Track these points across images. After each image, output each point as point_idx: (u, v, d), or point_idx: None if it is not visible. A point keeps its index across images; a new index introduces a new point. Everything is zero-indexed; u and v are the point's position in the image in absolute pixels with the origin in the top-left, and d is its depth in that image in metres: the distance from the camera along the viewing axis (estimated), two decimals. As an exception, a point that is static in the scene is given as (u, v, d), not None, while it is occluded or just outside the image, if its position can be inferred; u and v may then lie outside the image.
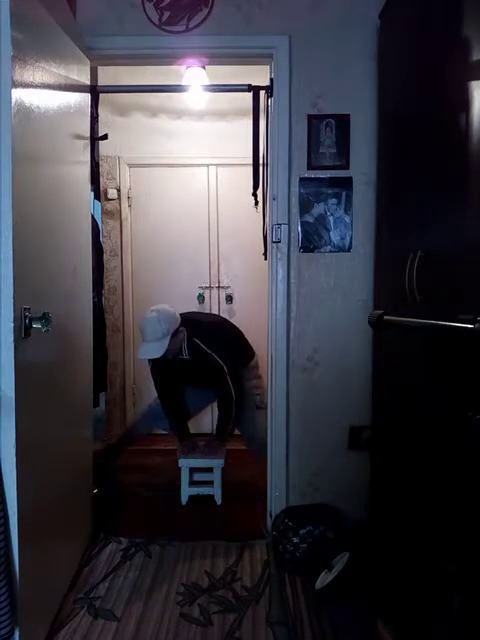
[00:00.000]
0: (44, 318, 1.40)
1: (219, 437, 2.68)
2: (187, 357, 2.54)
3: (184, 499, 2.59)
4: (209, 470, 2.62)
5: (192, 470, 2.63)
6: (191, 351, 2.53)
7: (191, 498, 2.59)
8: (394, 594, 1.60)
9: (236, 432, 2.92)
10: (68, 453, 1.86)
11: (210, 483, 2.61)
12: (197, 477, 2.66)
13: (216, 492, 2.59)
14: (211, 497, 2.59)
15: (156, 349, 2.38)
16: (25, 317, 1.37)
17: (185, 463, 2.61)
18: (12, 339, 1.31)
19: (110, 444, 2.94)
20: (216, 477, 2.60)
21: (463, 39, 1.25)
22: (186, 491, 2.60)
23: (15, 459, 1.33)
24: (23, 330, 1.36)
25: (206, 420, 3.61)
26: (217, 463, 2.60)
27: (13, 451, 1.33)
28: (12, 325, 1.31)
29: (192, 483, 2.62)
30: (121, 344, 3.53)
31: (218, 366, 2.51)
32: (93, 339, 2.15)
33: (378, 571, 1.74)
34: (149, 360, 2.57)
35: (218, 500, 2.59)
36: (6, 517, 1.33)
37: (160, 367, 2.64)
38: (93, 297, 2.22)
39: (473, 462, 1.16)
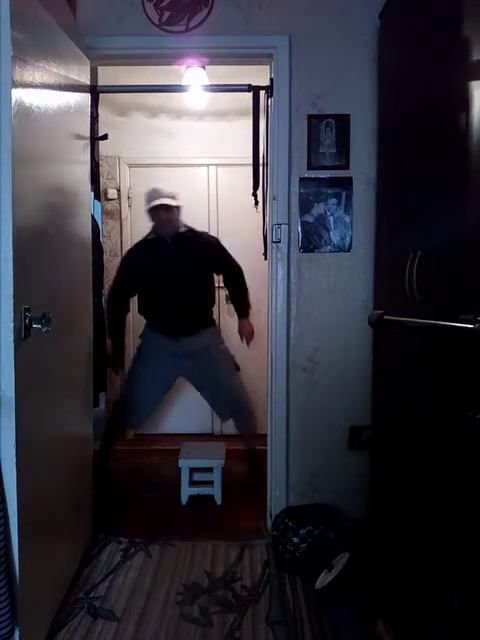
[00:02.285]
0: (44, 318, 1.40)
1: (243, 312, 2.71)
2: (185, 229, 2.61)
3: (184, 499, 2.59)
4: (209, 470, 2.62)
5: (192, 470, 2.62)
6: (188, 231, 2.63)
7: (191, 498, 2.59)
8: (394, 594, 1.60)
9: (236, 432, 2.93)
10: (68, 453, 1.85)
11: (210, 483, 2.61)
12: (197, 477, 2.65)
13: (216, 492, 2.59)
14: (211, 497, 2.59)
15: (170, 197, 2.54)
16: (25, 317, 1.37)
17: (185, 463, 2.60)
18: (12, 339, 1.31)
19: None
20: (216, 477, 2.60)
21: (463, 39, 1.25)
22: (186, 491, 2.59)
23: (15, 459, 1.33)
24: (23, 330, 1.36)
25: (205, 419, 3.61)
26: (217, 463, 2.60)
27: (13, 451, 1.33)
28: (12, 325, 1.31)
29: (192, 483, 2.62)
30: (121, 344, 3.52)
31: (214, 240, 2.71)
32: (93, 339, 2.15)
33: (378, 571, 1.74)
34: (123, 258, 2.73)
35: (218, 500, 2.59)
36: (6, 517, 1.33)
37: (137, 248, 2.65)
38: (93, 297, 2.22)
39: (473, 462, 1.16)
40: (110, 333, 2.70)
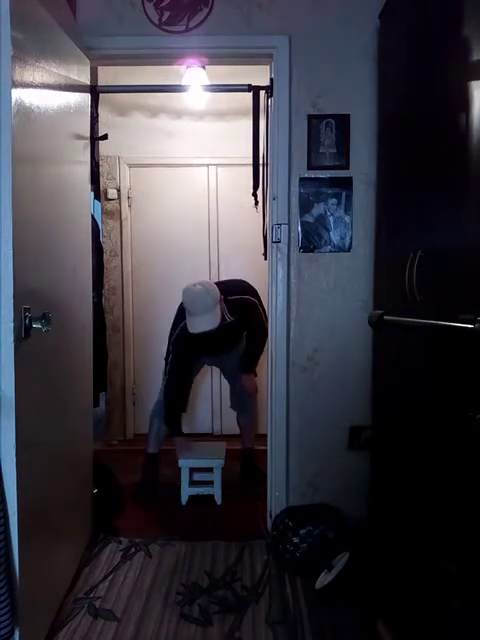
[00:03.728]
0: (44, 318, 1.40)
1: (250, 368, 2.71)
2: (231, 320, 2.54)
3: (184, 499, 2.59)
4: (209, 470, 2.62)
5: (192, 470, 2.62)
6: (231, 311, 2.55)
7: (191, 498, 2.59)
8: (394, 594, 1.60)
9: (236, 431, 2.94)
10: (68, 453, 1.85)
11: (210, 483, 2.61)
12: (197, 477, 2.66)
13: (216, 492, 2.59)
14: (211, 497, 2.59)
15: (211, 319, 2.42)
16: (25, 317, 1.37)
17: (185, 463, 2.60)
18: (12, 339, 1.31)
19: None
20: (216, 477, 2.59)
21: (463, 39, 1.25)
22: (186, 491, 2.59)
23: (15, 459, 1.33)
24: (23, 330, 1.36)
25: (205, 419, 3.62)
26: (217, 463, 2.60)
27: (13, 451, 1.33)
28: (12, 325, 1.31)
29: (192, 483, 2.62)
30: (121, 344, 3.53)
31: (251, 304, 2.63)
32: (93, 339, 2.15)
33: (378, 571, 1.74)
34: (174, 337, 2.60)
35: (218, 500, 2.59)
36: (6, 517, 1.33)
37: (186, 342, 2.57)
38: (93, 297, 2.22)
39: (473, 462, 1.16)
40: (169, 417, 2.67)
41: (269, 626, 1.68)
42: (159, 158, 3.44)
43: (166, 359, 2.67)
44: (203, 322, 2.41)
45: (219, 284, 2.64)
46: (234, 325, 2.57)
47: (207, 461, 2.64)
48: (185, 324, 2.48)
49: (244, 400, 2.82)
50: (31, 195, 1.45)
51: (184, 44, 2.14)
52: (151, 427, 2.79)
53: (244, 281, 2.83)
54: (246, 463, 2.89)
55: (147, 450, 2.80)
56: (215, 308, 2.43)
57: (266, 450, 2.32)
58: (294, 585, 1.92)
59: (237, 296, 2.62)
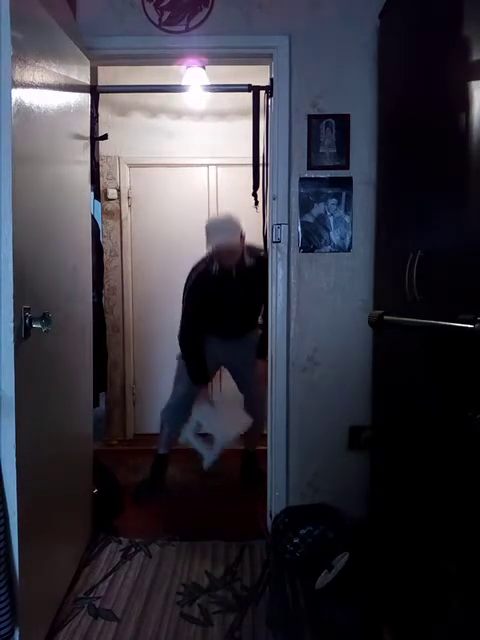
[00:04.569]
0: (44, 318, 1.40)
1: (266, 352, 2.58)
2: (251, 263, 2.53)
3: (183, 439, 2.49)
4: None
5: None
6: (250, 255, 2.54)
7: (191, 498, 2.55)
8: (394, 594, 1.60)
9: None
10: (68, 453, 1.85)
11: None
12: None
13: (206, 456, 2.44)
14: (212, 496, 2.56)
15: (231, 236, 2.44)
16: (25, 317, 1.37)
17: (197, 415, 2.47)
18: (12, 339, 1.31)
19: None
20: (216, 447, 2.44)
21: (463, 39, 1.25)
22: (186, 434, 2.49)
23: (15, 459, 1.33)
24: (23, 330, 1.36)
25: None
26: (222, 442, 2.43)
27: (13, 451, 1.33)
28: (12, 325, 1.31)
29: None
30: (121, 344, 3.53)
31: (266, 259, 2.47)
32: (93, 339, 2.15)
33: (378, 571, 1.74)
34: (189, 285, 2.57)
35: (205, 465, 2.46)
36: (6, 517, 1.33)
37: (203, 286, 2.53)
38: (93, 297, 2.22)
39: (473, 462, 1.16)
40: (194, 366, 2.60)
41: (269, 626, 1.68)
42: (159, 158, 3.44)
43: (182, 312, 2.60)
44: (224, 235, 2.43)
45: None
46: (253, 275, 2.50)
47: (217, 432, 2.46)
48: (200, 273, 2.53)
49: (260, 404, 2.64)
50: (31, 195, 1.45)
51: (184, 44, 2.13)
52: (162, 429, 2.77)
53: None
54: (247, 465, 2.87)
55: (157, 450, 2.78)
56: (236, 233, 2.45)
57: (266, 450, 2.32)
58: (294, 585, 1.92)
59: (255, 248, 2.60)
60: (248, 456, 2.88)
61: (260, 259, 2.49)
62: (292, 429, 2.22)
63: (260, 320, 2.70)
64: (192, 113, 3.40)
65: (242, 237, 2.48)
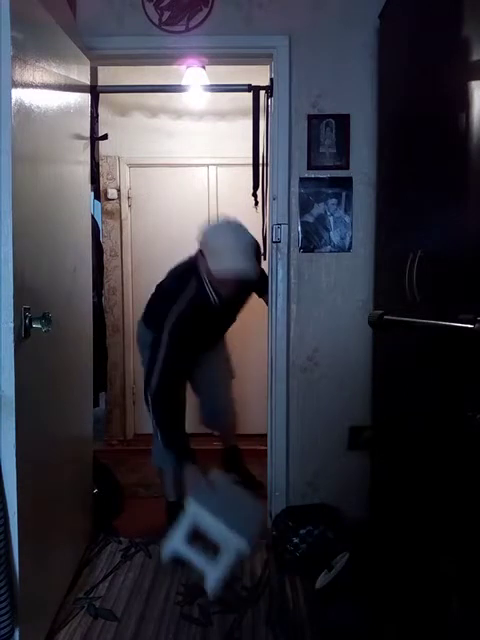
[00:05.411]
0: (44, 318, 1.40)
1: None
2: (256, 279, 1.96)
3: (165, 554, 1.70)
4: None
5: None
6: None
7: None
8: (394, 594, 1.60)
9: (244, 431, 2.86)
10: (68, 453, 1.85)
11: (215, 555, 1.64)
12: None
13: (210, 579, 1.63)
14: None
15: (257, 258, 1.93)
16: (25, 317, 1.37)
17: (194, 511, 1.64)
18: (12, 339, 1.31)
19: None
20: (224, 562, 1.61)
21: (463, 39, 1.25)
22: (175, 544, 1.66)
23: (15, 459, 1.33)
24: (23, 330, 1.36)
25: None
26: (237, 548, 1.59)
27: (13, 451, 1.33)
28: (12, 325, 1.31)
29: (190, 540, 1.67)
30: (121, 344, 3.53)
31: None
32: (93, 339, 2.15)
33: (378, 571, 1.74)
34: (176, 318, 1.87)
35: (210, 590, 1.64)
36: (6, 517, 1.33)
37: (193, 321, 1.90)
38: (93, 297, 2.22)
39: (473, 462, 1.16)
40: (179, 438, 1.97)
41: (269, 626, 1.68)
42: (159, 158, 3.44)
43: (153, 356, 1.89)
44: (248, 264, 1.83)
45: None
46: (248, 289, 2.16)
47: (225, 534, 1.59)
48: (191, 299, 1.89)
49: (219, 407, 2.43)
50: (31, 195, 1.45)
51: (184, 44, 2.14)
52: (163, 477, 2.28)
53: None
54: (231, 463, 2.57)
55: (167, 499, 2.28)
56: (259, 259, 1.99)
57: (266, 450, 2.32)
58: (294, 585, 1.92)
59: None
60: (230, 452, 2.61)
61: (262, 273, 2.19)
62: (292, 429, 2.22)
63: None
64: (192, 113, 3.39)
65: (260, 259, 2.05)
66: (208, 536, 1.64)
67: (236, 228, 1.93)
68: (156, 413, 1.89)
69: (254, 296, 2.35)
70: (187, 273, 1.99)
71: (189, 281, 1.95)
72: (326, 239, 2.17)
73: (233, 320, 2.33)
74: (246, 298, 2.27)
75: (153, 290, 2.23)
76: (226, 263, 1.82)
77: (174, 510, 2.15)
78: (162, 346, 1.87)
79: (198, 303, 1.92)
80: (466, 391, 1.20)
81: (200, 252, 1.94)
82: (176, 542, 1.66)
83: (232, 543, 1.59)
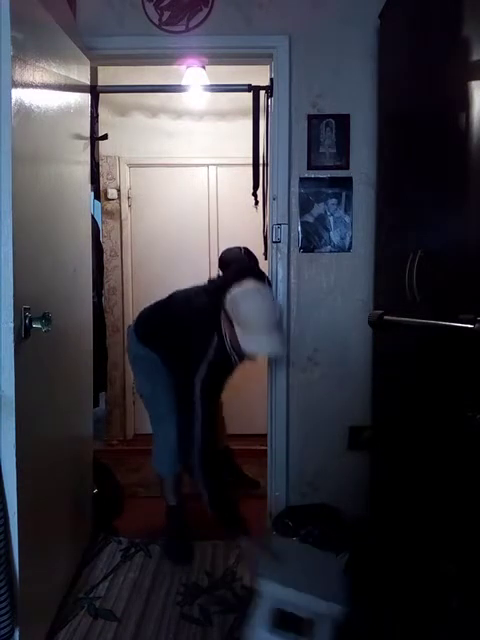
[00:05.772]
0: (44, 318, 1.40)
1: None
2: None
3: None
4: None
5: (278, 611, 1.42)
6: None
7: (191, 499, 2.48)
8: (394, 593, 1.60)
9: (243, 431, 2.86)
10: (68, 453, 1.85)
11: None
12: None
13: None
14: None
15: (283, 346, 1.85)
16: (25, 317, 1.37)
17: (270, 594, 1.40)
18: (12, 339, 1.31)
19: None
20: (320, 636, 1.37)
21: (463, 39, 1.25)
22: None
23: (15, 459, 1.33)
24: (23, 330, 1.36)
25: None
26: (329, 612, 1.37)
27: (13, 451, 1.33)
28: (12, 325, 1.31)
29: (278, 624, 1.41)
30: (121, 344, 3.52)
31: None
32: (93, 339, 2.15)
33: (378, 571, 1.74)
34: (210, 358, 1.78)
35: None
36: (6, 517, 1.33)
37: (219, 376, 1.87)
38: (93, 297, 2.22)
39: (473, 462, 1.16)
40: (228, 501, 1.86)
41: (269, 626, 1.68)
42: (159, 158, 3.44)
43: (184, 416, 1.80)
44: (275, 342, 1.70)
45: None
46: None
47: (313, 604, 1.37)
48: (211, 362, 1.78)
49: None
50: (31, 195, 1.45)
51: (184, 44, 2.14)
52: (163, 482, 2.22)
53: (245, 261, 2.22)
54: (225, 465, 2.53)
55: (167, 503, 2.22)
56: (280, 328, 1.77)
57: (266, 450, 2.32)
58: (294, 585, 1.92)
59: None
60: (223, 453, 2.52)
61: None
62: (292, 429, 2.22)
63: None
64: (192, 113, 3.40)
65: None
66: (294, 613, 1.42)
67: (267, 301, 1.76)
68: (205, 476, 1.78)
69: None
70: (208, 326, 1.82)
71: (210, 339, 1.80)
72: (326, 239, 2.17)
73: None
74: None
75: (158, 295, 2.21)
76: (260, 345, 1.70)
77: (174, 514, 2.20)
78: (197, 406, 1.76)
79: (219, 363, 1.81)
80: (466, 391, 1.20)
81: (224, 316, 1.77)
82: (261, 634, 1.42)
83: (324, 611, 1.38)
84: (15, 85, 1.30)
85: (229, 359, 1.80)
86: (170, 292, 2.28)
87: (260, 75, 2.28)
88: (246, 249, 2.26)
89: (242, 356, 1.80)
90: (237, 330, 1.70)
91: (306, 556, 1.60)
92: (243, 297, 1.74)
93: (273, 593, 1.40)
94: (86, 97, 2.06)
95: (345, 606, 1.37)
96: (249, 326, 1.68)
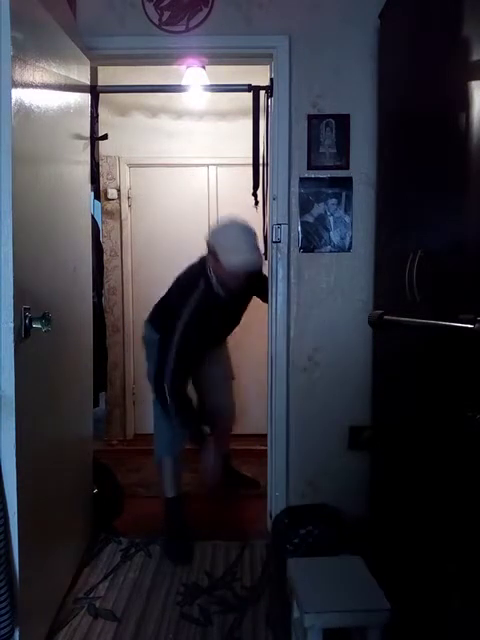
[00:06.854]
0: (44, 318, 1.40)
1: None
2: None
3: None
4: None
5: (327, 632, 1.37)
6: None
7: (191, 499, 2.52)
8: (394, 593, 1.60)
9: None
10: (68, 453, 1.86)
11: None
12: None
13: None
14: (212, 496, 2.55)
15: (259, 251, 2.04)
16: (25, 317, 1.37)
17: (315, 623, 1.35)
18: (12, 339, 1.31)
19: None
20: None
21: (463, 39, 1.25)
22: None
23: (15, 459, 1.33)
24: (23, 330, 1.36)
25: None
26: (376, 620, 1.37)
27: (13, 451, 1.33)
28: (12, 325, 1.31)
29: None
30: (121, 344, 3.53)
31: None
32: (93, 339, 2.15)
33: (378, 571, 1.74)
34: (190, 309, 2.02)
35: None
36: (6, 517, 1.33)
37: (204, 314, 2.04)
38: (93, 297, 2.22)
39: (473, 462, 1.16)
40: (192, 420, 2.16)
41: (269, 626, 1.68)
42: (159, 158, 3.44)
43: (163, 346, 2.03)
44: (253, 257, 1.98)
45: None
46: (250, 286, 2.19)
47: (353, 615, 1.38)
48: (202, 300, 2.03)
49: (221, 405, 2.48)
50: (31, 195, 1.45)
51: (184, 44, 2.13)
52: (162, 470, 2.26)
53: None
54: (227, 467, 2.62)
55: (165, 495, 2.26)
56: (261, 251, 2.08)
57: (266, 450, 2.32)
58: (294, 585, 1.92)
59: None
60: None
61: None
62: (292, 429, 2.22)
63: None
64: (192, 113, 3.39)
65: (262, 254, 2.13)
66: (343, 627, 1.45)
67: (242, 225, 2.07)
68: (173, 398, 2.03)
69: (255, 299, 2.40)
70: (195, 276, 2.14)
71: (197, 282, 2.09)
72: (326, 239, 2.17)
73: (237, 322, 2.40)
74: (249, 298, 2.34)
75: (161, 294, 2.36)
76: (239, 257, 1.97)
77: (174, 507, 2.26)
78: (175, 336, 2.01)
79: (207, 300, 2.06)
80: (466, 391, 1.20)
81: (208, 253, 2.10)
82: None
83: (373, 621, 1.39)
84: (15, 85, 1.30)
85: (216, 301, 2.07)
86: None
87: (260, 75, 2.28)
88: None
89: (228, 287, 2.07)
90: (220, 256, 1.99)
91: (329, 570, 1.58)
92: (220, 227, 2.11)
93: (317, 622, 1.37)
94: (86, 97, 2.06)
95: (388, 608, 1.37)
96: (228, 247, 1.99)
